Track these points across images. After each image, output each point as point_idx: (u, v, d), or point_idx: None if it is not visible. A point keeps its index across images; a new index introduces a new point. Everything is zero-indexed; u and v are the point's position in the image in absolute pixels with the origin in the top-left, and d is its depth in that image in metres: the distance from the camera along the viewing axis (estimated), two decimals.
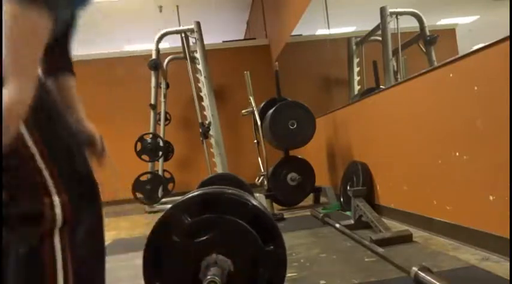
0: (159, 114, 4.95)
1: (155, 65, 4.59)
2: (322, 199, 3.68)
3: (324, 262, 1.80)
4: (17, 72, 0.68)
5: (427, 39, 2.76)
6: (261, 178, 3.82)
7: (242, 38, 8.56)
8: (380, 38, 3.12)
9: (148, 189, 4.44)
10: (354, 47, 3.78)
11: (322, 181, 3.84)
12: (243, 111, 4.03)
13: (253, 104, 3.75)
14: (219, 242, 1.10)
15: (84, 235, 0.82)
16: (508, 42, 1.45)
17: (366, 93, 3.12)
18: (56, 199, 0.78)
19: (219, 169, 4.46)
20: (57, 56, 1.00)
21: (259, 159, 4.04)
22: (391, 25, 2.94)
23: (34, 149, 0.78)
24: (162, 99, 5.00)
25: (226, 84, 5.85)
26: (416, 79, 2.16)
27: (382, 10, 2.99)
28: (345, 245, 2.04)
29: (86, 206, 0.84)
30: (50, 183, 0.79)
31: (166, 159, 5.02)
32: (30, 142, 0.78)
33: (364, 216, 2.32)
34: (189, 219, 1.12)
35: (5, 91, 0.67)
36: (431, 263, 1.54)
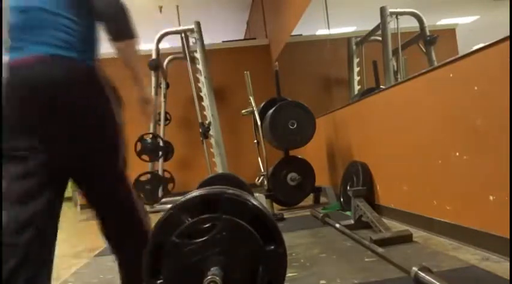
0: (159, 114, 4.95)
1: (155, 65, 4.60)
2: (322, 199, 3.68)
3: (324, 262, 1.80)
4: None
5: (427, 39, 2.76)
6: (261, 178, 3.81)
7: (242, 38, 8.56)
8: (380, 38, 3.12)
9: (148, 189, 4.44)
10: (354, 47, 3.78)
11: (322, 181, 3.84)
12: (243, 111, 4.03)
13: (253, 104, 3.75)
14: (219, 243, 1.10)
15: None
16: (508, 42, 1.46)
17: (366, 93, 3.11)
18: None
19: (219, 169, 4.46)
20: None
21: (259, 159, 4.04)
22: (391, 25, 2.94)
23: None
24: (162, 99, 5.00)
25: (226, 84, 5.85)
26: (416, 79, 2.16)
27: (382, 10, 2.99)
28: (345, 245, 2.04)
29: None
30: None
31: (166, 159, 5.02)
32: None
33: (364, 216, 2.32)
34: (189, 219, 1.12)
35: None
36: (431, 263, 1.54)
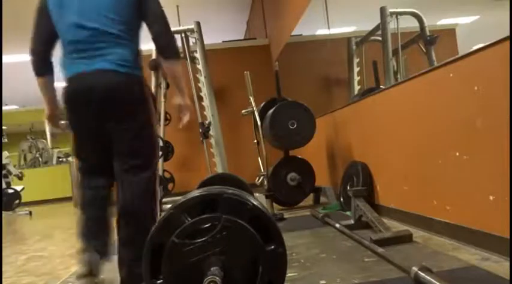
0: (159, 114, 4.95)
1: (155, 65, 4.59)
2: (322, 199, 3.68)
3: (324, 262, 1.80)
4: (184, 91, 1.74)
5: (427, 39, 2.75)
6: (261, 178, 3.82)
7: (242, 38, 8.55)
8: (380, 38, 3.11)
9: None
10: (354, 47, 3.77)
11: (322, 181, 3.83)
12: (243, 111, 4.03)
13: (253, 104, 3.75)
14: (219, 243, 1.10)
15: None
16: (508, 42, 1.45)
17: (366, 93, 3.11)
18: None
19: (219, 169, 4.46)
20: None
21: (259, 159, 4.04)
22: (391, 25, 2.94)
23: None
24: (162, 99, 4.99)
25: (226, 84, 5.85)
26: (416, 79, 2.16)
27: (382, 10, 2.99)
28: (345, 245, 2.04)
29: None
30: None
31: (166, 159, 5.02)
32: None
33: (364, 216, 2.32)
34: (189, 219, 1.12)
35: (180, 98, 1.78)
36: (431, 263, 1.54)
